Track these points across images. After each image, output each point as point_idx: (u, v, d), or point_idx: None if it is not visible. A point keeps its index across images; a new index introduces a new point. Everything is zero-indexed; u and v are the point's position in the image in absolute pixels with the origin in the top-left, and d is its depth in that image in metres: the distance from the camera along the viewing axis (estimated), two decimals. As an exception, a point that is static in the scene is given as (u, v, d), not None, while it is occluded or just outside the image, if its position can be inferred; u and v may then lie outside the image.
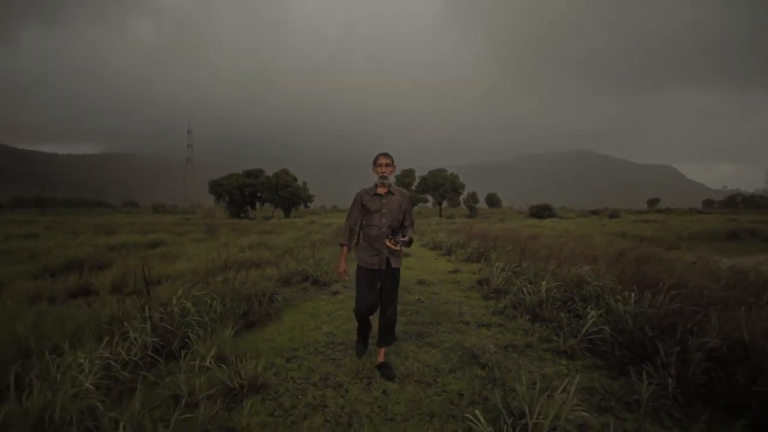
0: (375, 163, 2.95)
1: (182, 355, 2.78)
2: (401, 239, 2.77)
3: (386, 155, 2.95)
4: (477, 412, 2.09)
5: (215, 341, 2.94)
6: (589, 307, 3.50)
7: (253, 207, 58.32)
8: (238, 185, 54.73)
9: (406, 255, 9.07)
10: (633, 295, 3.37)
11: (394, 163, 2.97)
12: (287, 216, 53.46)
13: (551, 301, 4.03)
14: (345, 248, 3.01)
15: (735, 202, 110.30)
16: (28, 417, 1.89)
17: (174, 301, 3.33)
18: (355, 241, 3.02)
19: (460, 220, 32.91)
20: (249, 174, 56.89)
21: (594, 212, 65.02)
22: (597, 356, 3.08)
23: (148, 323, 3.00)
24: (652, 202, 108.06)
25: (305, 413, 2.31)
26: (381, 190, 2.94)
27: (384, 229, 2.89)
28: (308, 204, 61.31)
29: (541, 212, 51.55)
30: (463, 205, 68.02)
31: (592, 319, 3.26)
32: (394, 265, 2.91)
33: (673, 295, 3.17)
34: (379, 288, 2.94)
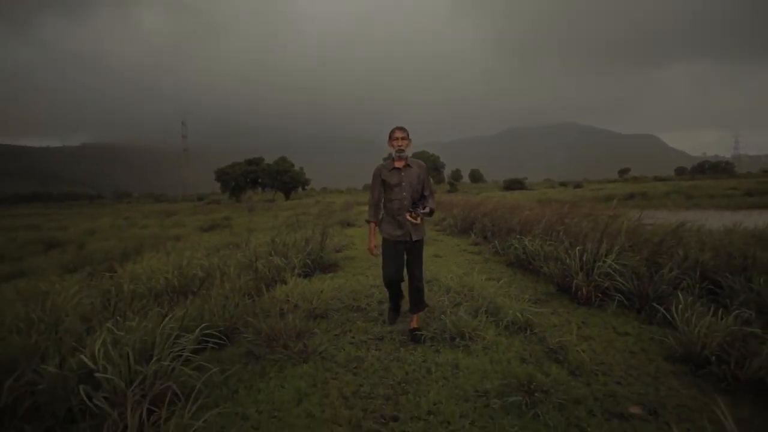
0: (391, 137, 3.01)
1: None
2: (421, 211, 2.91)
3: (402, 129, 3.00)
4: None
5: (335, 232, 9.62)
6: (449, 218, 10.31)
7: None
8: (242, 173, 60.61)
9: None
10: (459, 211, 10.13)
11: (410, 137, 3.02)
12: (287, 198, 59.65)
13: (444, 219, 10.88)
14: (372, 225, 3.20)
15: (703, 168, 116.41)
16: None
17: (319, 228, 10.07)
18: (380, 216, 3.19)
19: (439, 195, 39.75)
20: (251, 162, 62.67)
21: (562, 184, 72.44)
22: (457, 234, 9.84)
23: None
24: (623, 172, 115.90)
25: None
26: (399, 164, 3.02)
27: (405, 202, 3.00)
28: (305, 187, 67.58)
29: (512, 185, 58.76)
30: (446, 182, 75.01)
31: (447, 221, 10.08)
32: (415, 238, 3.05)
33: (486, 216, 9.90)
34: (404, 259, 3.13)
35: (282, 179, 60.67)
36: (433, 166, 62.18)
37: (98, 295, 4.24)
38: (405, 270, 3.20)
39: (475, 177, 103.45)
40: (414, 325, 3.22)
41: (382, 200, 3.17)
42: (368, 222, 3.23)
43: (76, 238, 13.44)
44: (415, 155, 63.28)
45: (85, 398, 1.81)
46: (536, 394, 2.21)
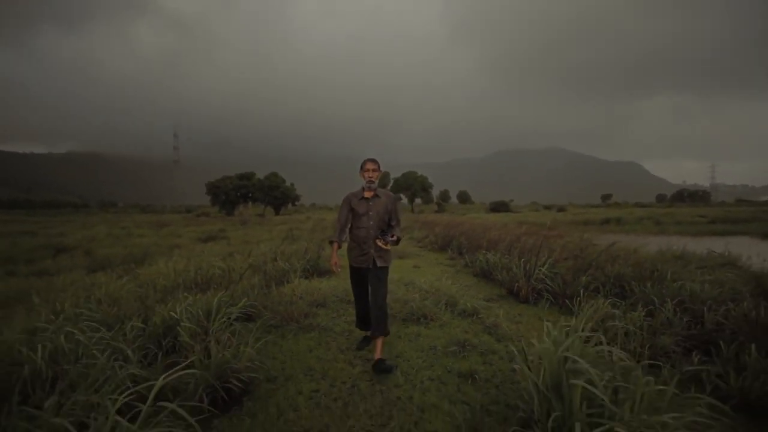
0: (362, 168, 3.17)
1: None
2: (390, 239, 3.05)
3: (373, 161, 3.17)
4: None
5: (327, 245, 10.70)
6: (431, 236, 11.51)
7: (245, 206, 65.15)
8: (234, 187, 61.40)
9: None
10: (440, 230, 11.35)
11: (380, 168, 3.20)
12: (277, 213, 60.41)
13: (427, 237, 12.05)
14: (335, 244, 3.26)
15: (682, 196, 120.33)
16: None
17: (315, 241, 11.14)
18: (345, 239, 3.30)
19: (426, 215, 41.07)
20: (242, 177, 63.56)
21: (546, 207, 74.87)
22: (437, 249, 11.01)
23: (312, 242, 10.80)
24: (605, 197, 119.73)
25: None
26: (368, 194, 3.18)
27: (372, 231, 3.14)
28: (296, 203, 68.56)
29: (498, 207, 60.73)
30: (434, 202, 76.83)
31: (429, 238, 11.27)
32: (380, 264, 3.15)
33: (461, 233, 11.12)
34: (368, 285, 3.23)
35: (273, 194, 61.61)
36: (421, 186, 63.89)
37: (136, 287, 5.26)
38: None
39: (463, 198, 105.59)
40: (378, 355, 3.05)
41: (349, 226, 3.30)
42: (331, 242, 3.32)
43: (80, 245, 14.19)
44: (404, 176, 64.96)
45: (183, 335, 2.88)
46: (467, 347, 3.36)
